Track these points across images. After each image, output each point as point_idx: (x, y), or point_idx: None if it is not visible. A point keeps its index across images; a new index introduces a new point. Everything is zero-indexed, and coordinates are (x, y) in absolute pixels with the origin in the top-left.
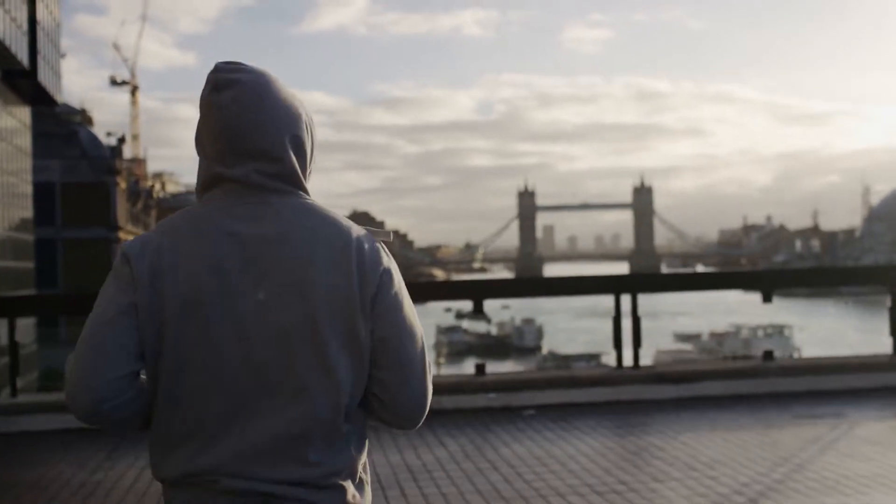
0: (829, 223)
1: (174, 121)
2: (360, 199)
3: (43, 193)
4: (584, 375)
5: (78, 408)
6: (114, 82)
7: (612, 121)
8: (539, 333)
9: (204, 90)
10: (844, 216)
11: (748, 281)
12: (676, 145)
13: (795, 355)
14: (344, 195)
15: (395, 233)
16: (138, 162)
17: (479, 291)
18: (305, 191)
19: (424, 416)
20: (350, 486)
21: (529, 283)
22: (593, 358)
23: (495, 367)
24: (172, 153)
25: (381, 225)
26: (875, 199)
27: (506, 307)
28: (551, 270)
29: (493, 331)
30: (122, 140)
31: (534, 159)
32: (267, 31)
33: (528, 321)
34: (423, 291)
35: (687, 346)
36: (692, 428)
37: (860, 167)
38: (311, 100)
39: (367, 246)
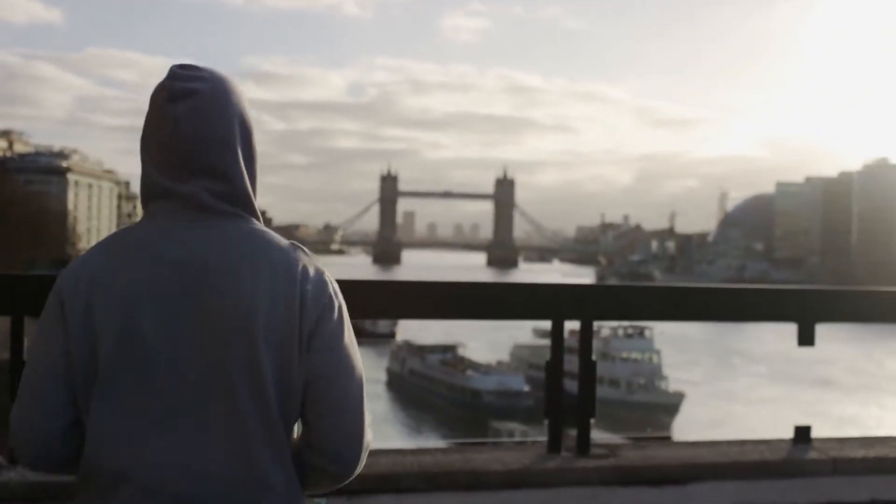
0: (685, 226)
1: (34, 79)
2: None
3: None
4: (494, 470)
5: (26, 461)
6: None
7: (483, 112)
8: (394, 320)
9: (157, 96)
10: (700, 220)
11: (777, 305)
12: (543, 140)
13: (656, 359)
14: None
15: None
16: None
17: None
18: (255, 213)
19: (360, 463)
20: None
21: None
22: (449, 349)
23: None
24: (30, 112)
25: None
26: (730, 206)
27: None
28: (410, 256)
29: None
30: None
31: (401, 145)
32: None
33: None
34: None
35: (546, 342)
36: None
37: (718, 173)
38: None
39: (311, 276)
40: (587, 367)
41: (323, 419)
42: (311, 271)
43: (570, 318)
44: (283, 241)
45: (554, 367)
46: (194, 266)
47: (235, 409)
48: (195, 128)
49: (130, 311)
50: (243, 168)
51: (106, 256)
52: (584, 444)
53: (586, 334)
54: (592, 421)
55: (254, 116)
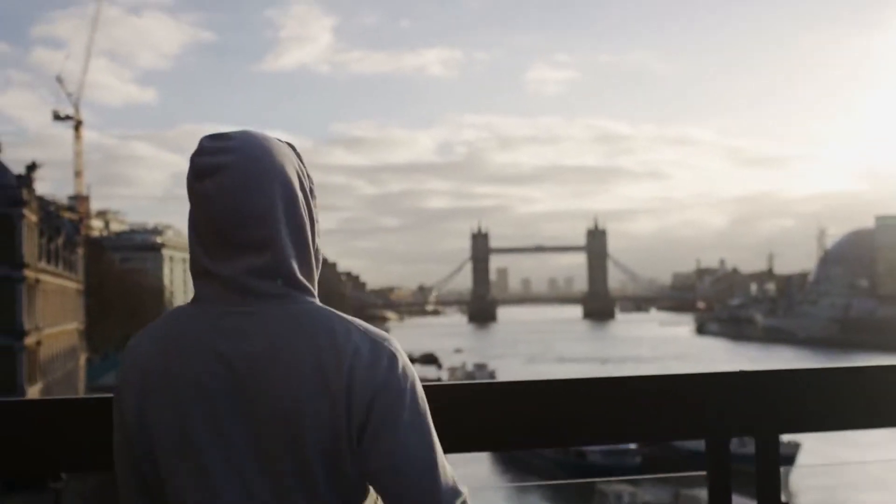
0: (783, 267)
1: (130, 158)
2: None
3: None
4: None
5: None
6: (57, 117)
7: (572, 163)
8: (492, 379)
9: (188, 174)
10: (798, 260)
11: None
12: (634, 188)
13: None
14: None
15: (355, 279)
16: (81, 199)
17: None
18: (302, 287)
19: None
20: None
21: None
22: None
23: None
24: (127, 192)
25: (333, 267)
26: (829, 243)
27: (458, 351)
28: (505, 313)
29: (444, 377)
30: (31, 168)
31: (492, 201)
32: (228, 68)
33: (481, 366)
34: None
35: None
36: None
37: (814, 211)
38: None
39: (364, 354)
40: None
41: None
42: (365, 349)
43: (739, 432)
44: (332, 319)
45: None
46: (239, 361)
47: None
48: (226, 205)
49: (182, 409)
50: (286, 240)
51: (155, 348)
52: None
53: (768, 457)
54: None
55: (341, 181)
